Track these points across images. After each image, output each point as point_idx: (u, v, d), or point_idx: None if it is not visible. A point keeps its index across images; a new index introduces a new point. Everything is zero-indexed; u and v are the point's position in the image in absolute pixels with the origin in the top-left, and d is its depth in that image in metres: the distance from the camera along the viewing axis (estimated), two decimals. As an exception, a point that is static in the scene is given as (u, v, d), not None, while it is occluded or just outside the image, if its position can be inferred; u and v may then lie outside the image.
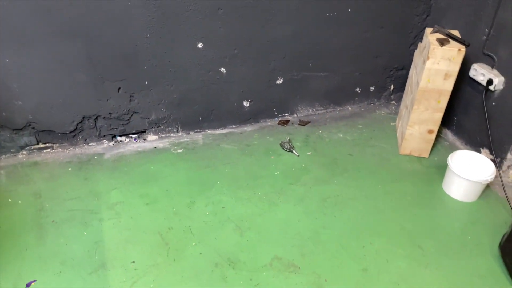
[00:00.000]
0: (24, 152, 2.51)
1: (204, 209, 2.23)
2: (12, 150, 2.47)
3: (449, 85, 2.36)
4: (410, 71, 2.78)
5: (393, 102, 3.21)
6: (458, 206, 2.31)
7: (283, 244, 2.04)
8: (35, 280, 1.81)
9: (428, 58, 2.30)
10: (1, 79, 2.22)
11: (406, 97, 2.76)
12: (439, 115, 2.47)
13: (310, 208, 2.27)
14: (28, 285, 1.79)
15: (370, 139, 2.84)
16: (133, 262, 1.91)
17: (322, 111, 3.07)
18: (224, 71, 2.61)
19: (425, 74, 2.35)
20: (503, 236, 2.01)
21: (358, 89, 3.06)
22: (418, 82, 2.43)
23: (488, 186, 2.41)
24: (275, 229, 2.13)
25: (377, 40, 2.85)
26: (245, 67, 2.65)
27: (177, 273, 1.88)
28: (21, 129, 2.41)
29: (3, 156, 2.48)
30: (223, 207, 2.25)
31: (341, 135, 2.87)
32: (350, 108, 3.13)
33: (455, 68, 2.30)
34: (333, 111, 3.10)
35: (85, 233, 2.05)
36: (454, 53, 2.25)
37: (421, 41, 2.64)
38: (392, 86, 3.14)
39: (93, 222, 2.11)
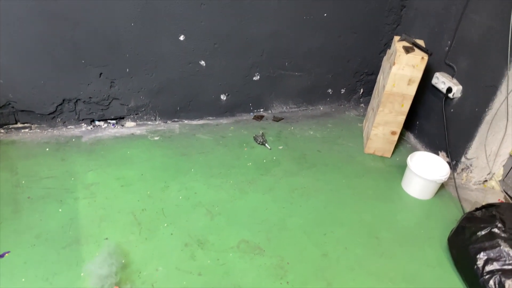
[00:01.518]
0: (2, 131, 2.55)
1: (177, 194, 2.33)
2: (-11, 128, 2.52)
3: (412, 90, 2.54)
4: (378, 76, 2.96)
5: (362, 105, 3.39)
6: (414, 202, 2.50)
7: (251, 229, 2.17)
8: (8, 252, 1.88)
9: (394, 63, 2.48)
10: (-16, 57, 2.27)
11: (373, 100, 2.95)
12: (402, 118, 2.66)
13: (278, 197, 2.40)
14: (1, 256, 1.85)
15: (338, 137, 3.01)
16: (106, 238, 2.00)
17: (295, 109, 3.23)
18: (204, 64, 2.72)
19: (391, 78, 2.53)
20: (451, 231, 2.20)
21: (330, 90, 3.23)
22: (384, 86, 2.61)
23: (443, 186, 2.61)
24: (244, 215, 2.25)
25: (349, 45, 3.02)
26: (224, 62, 2.77)
27: (148, 251, 1.98)
28: (1, 107, 2.45)
29: (-20, 133, 2.52)
30: (195, 193, 2.36)
31: (311, 132, 3.02)
32: (321, 108, 3.30)
33: (418, 74, 2.48)
34: (306, 109, 3.26)
35: (60, 210, 2.12)
36: (418, 60, 2.44)
37: (389, 48, 2.82)
38: (361, 90, 3.33)
39: (69, 201, 2.18)
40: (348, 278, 1.98)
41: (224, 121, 3.03)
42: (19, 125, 2.57)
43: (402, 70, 2.49)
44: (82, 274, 1.82)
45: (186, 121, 2.95)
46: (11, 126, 2.55)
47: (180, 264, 1.94)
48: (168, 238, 2.06)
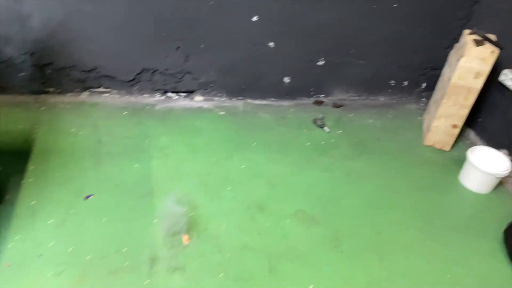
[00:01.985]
0: (87, 93, 2.82)
1: (239, 163, 2.49)
2: (76, 90, 2.79)
3: (478, 84, 2.54)
4: (444, 69, 2.96)
5: (423, 99, 3.39)
6: (471, 195, 2.50)
7: (307, 202, 2.28)
8: (93, 195, 2.11)
9: (462, 56, 2.49)
10: (81, 24, 2.52)
11: (437, 93, 2.96)
12: (465, 111, 2.66)
13: (335, 177, 2.50)
14: (87, 197, 2.09)
15: (398, 128, 3.05)
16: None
17: (356, 97, 3.29)
18: (272, 46, 2.86)
19: (458, 70, 2.54)
20: (508, 224, 2.20)
21: (392, 82, 3.27)
22: (450, 78, 2.63)
23: (501, 183, 2.59)
24: (301, 189, 2.37)
25: (416, 38, 3.04)
26: (292, 45, 2.89)
27: (213, 209, 2.15)
28: (88, 71, 2.71)
29: (69, 94, 2.79)
30: (256, 164, 2.50)
31: (371, 121, 3.08)
32: (382, 99, 3.34)
33: (486, 68, 2.48)
34: (366, 99, 3.31)
35: (136, 166, 2.33)
36: (487, 54, 2.44)
37: (458, 42, 2.82)
38: (424, 84, 3.33)
39: (143, 158, 2.39)
40: (400, 256, 2.05)
41: (285, 103, 3.15)
42: (101, 89, 2.83)
43: (470, 63, 2.50)
44: (154, 221, 2.02)
45: (249, 100, 3.10)
46: (94, 89, 2.82)
47: (241, 223, 2.09)
48: (231, 200, 2.22)
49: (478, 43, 2.48)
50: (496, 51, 2.43)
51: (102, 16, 2.52)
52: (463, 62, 2.51)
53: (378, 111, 3.21)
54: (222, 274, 1.83)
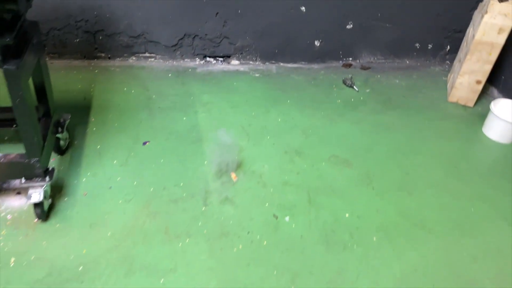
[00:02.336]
0: (134, 58, 3.08)
1: (276, 117, 2.71)
2: (125, 55, 3.05)
3: (501, 39, 2.69)
4: (468, 29, 3.10)
5: (447, 62, 3.54)
6: (494, 144, 2.67)
7: (340, 148, 2.50)
8: (149, 141, 2.37)
9: (486, 12, 2.64)
10: (129, -7, 2.78)
11: (460, 53, 3.10)
12: (489, 67, 2.81)
13: (364, 129, 2.70)
14: (144, 143, 2.35)
15: (423, 87, 3.21)
16: (222, 141, 2.44)
17: (382, 60, 3.46)
18: (304, 10, 3.05)
19: (481, 27, 2.69)
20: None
21: (417, 44, 3.42)
22: (473, 35, 2.78)
23: (523, 133, 2.74)
24: (333, 138, 2.59)
25: (441, 0, 3.18)
26: (322, 9, 3.07)
27: (255, 153, 2.39)
28: (136, 37, 2.97)
29: (118, 58, 3.06)
30: (292, 118, 2.72)
31: (397, 81, 3.25)
32: (407, 62, 3.50)
33: (509, 23, 2.62)
34: (392, 62, 3.48)
35: (184, 118, 2.59)
36: (510, 9, 2.58)
37: (482, 1, 2.95)
38: (448, 47, 3.47)
39: (190, 112, 2.64)
40: (427, 193, 2.25)
41: (315, 66, 3.35)
42: (147, 54, 3.08)
43: (493, 19, 2.64)
44: (205, 162, 2.27)
45: (281, 64, 3.31)
46: (141, 54, 3.07)
47: (281, 164, 2.32)
48: (271, 146, 2.46)
49: (502, 0, 2.62)
50: (519, 6, 2.57)
51: (149, -16, 2.77)
52: (486, 18, 2.65)
53: (403, 73, 3.38)
54: (267, 204, 2.08)
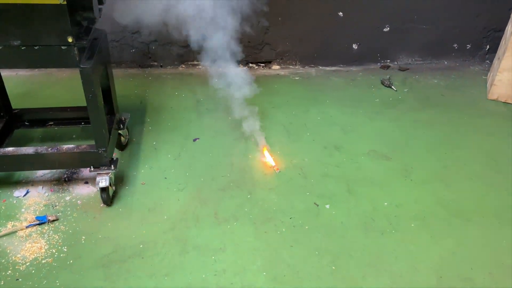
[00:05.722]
0: (183, 66, 3.34)
1: (316, 115, 2.86)
2: (175, 63, 3.32)
3: (541, 35, 2.71)
4: (506, 27, 3.12)
5: (487, 61, 3.55)
6: (536, 139, 2.68)
7: (378, 143, 2.60)
8: (199, 138, 2.59)
9: (524, 8, 2.67)
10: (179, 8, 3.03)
11: (499, 50, 3.12)
12: (529, 63, 2.83)
13: (403, 125, 2.78)
14: (194, 140, 2.57)
15: (462, 86, 3.25)
16: (265, 138, 2.60)
17: (420, 62, 3.53)
18: (341, 15, 3.20)
19: (520, 23, 2.72)
20: None
21: (455, 45, 3.46)
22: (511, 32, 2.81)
23: None
24: (372, 134, 2.69)
25: (479, 0, 3.22)
26: (359, 13, 3.20)
27: (296, 148, 2.54)
28: (185, 46, 3.22)
29: (169, 66, 3.33)
30: (331, 116, 2.86)
31: (435, 81, 3.31)
32: (446, 62, 3.55)
33: (549, 18, 2.64)
34: (430, 63, 3.54)
35: (229, 118, 2.79)
36: (549, 4, 2.60)
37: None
38: (487, 46, 3.49)
39: (234, 113, 2.83)
40: (465, 185, 2.31)
41: (353, 68, 3.47)
42: (194, 62, 3.33)
43: (531, 15, 2.67)
44: (250, 156, 2.45)
45: (320, 67, 3.46)
46: (190, 62, 3.33)
47: (321, 158, 2.46)
48: (311, 142, 2.60)
49: (539, -5, 2.64)
50: (557, 1, 2.58)
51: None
52: (524, 14, 2.68)
53: (442, 73, 3.42)
54: (308, 193, 2.22)
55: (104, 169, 2.01)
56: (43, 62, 1.73)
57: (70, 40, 1.63)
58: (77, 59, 1.71)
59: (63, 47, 1.66)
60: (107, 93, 2.18)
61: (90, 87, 1.78)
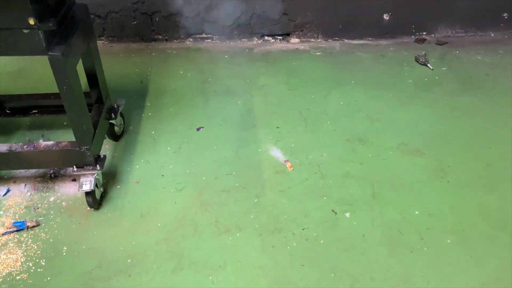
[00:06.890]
0: (191, 40, 3.00)
1: (338, 100, 2.50)
2: (182, 36, 2.97)
3: None
4: None
5: (543, 33, 3.06)
6: None
7: (410, 135, 2.24)
8: (203, 127, 2.29)
9: None
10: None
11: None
12: None
13: (439, 113, 2.40)
14: (198, 129, 2.27)
15: (510, 64, 2.80)
16: (278, 127, 2.28)
17: (462, 34, 3.06)
18: (372, -20, 2.76)
19: None
20: None
21: (505, 14, 2.98)
22: None
23: None
24: (403, 124, 2.32)
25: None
26: (392, -22, 2.76)
27: (313, 141, 2.21)
28: (192, 17, 2.87)
29: (175, 40, 2.99)
30: (355, 101, 2.49)
31: (479, 57, 2.86)
32: (492, 34, 3.07)
33: None
34: (474, 35, 3.07)
35: (239, 102, 2.46)
36: None
37: None
38: (544, 15, 2.99)
39: (245, 96, 2.51)
40: (513, 189, 1.95)
41: (383, 42, 3.04)
42: (203, 35, 2.98)
43: None
44: (259, 150, 2.14)
45: (346, 40, 3.05)
46: (198, 36, 2.98)
47: (342, 154, 2.13)
48: (331, 133, 2.26)
49: None
50: None
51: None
52: None
53: (487, 47, 2.96)
54: (325, 198, 1.91)
55: (88, 169, 1.75)
56: (5, 49, 1.43)
57: (31, 22, 1.33)
58: (44, 44, 1.40)
59: (24, 31, 1.36)
60: (93, 78, 1.89)
61: (64, 78, 1.48)
